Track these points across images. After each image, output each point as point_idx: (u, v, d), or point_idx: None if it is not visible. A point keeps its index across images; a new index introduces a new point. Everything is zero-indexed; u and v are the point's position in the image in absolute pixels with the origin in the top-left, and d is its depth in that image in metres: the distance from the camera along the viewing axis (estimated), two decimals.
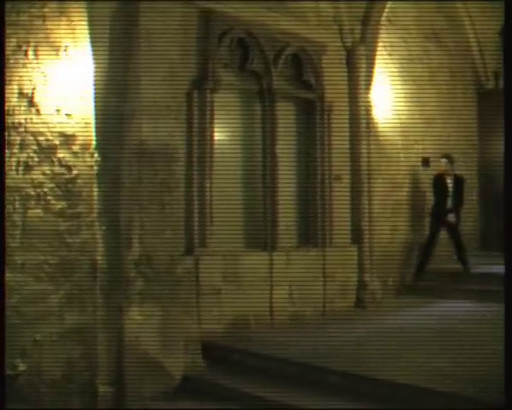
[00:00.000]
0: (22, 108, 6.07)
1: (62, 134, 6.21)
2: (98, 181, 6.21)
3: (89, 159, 6.31)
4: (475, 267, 9.54)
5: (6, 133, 5.95)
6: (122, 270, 6.07)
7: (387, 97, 9.62)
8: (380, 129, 9.40)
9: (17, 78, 6.03)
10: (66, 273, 6.21)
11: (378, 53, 9.13)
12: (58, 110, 6.21)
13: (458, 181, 9.83)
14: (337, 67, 8.72)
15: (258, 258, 7.44)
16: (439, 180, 9.78)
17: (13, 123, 6.00)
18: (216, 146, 7.21)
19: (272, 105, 7.85)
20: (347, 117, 8.83)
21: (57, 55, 6.24)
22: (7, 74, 5.96)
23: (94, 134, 6.24)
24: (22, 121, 6.05)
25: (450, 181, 9.73)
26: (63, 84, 6.24)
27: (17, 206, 5.99)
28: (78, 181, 6.29)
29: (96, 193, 6.25)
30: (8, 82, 5.97)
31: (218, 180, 7.15)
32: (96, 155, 6.23)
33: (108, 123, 6.14)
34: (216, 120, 7.20)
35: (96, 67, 6.18)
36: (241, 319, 7.11)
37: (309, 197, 8.33)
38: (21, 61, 6.06)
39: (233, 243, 7.25)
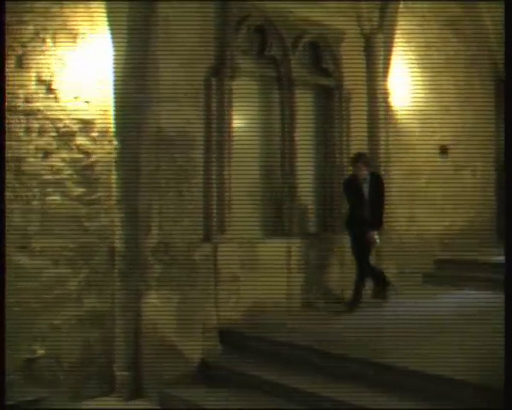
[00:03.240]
0: (41, 94, 6.07)
1: (81, 120, 6.25)
2: (117, 167, 6.26)
3: (107, 145, 6.36)
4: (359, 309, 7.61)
5: (24, 119, 5.96)
6: (140, 255, 6.13)
7: (405, 85, 9.57)
8: (397, 117, 9.36)
9: (35, 64, 6.04)
10: (84, 258, 6.26)
11: (396, 40, 9.08)
12: (76, 97, 6.24)
13: (375, 182, 7.79)
14: (355, 54, 8.68)
15: (276, 245, 7.45)
16: (350, 184, 7.79)
17: (31, 110, 6.00)
18: (234, 133, 7.22)
19: (291, 92, 7.84)
20: (365, 104, 8.80)
21: (75, 41, 6.26)
22: (25, 61, 5.97)
23: (112, 120, 6.29)
24: (41, 108, 6.06)
25: (365, 185, 7.71)
26: (81, 70, 6.28)
27: (36, 192, 6.01)
28: (97, 167, 6.34)
29: (114, 179, 6.31)
30: (26, 69, 5.98)
31: (236, 167, 7.15)
32: (114, 141, 6.28)
33: (127, 109, 6.18)
34: (234, 107, 7.20)
35: (114, 54, 6.21)
36: (258, 306, 7.12)
37: (327, 184, 8.32)
38: (39, 47, 6.06)
39: (251, 230, 7.26)
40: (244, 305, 7.03)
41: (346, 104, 8.44)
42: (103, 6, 6.24)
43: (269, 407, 5.50)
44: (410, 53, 9.73)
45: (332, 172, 8.33)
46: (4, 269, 4.42)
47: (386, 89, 8.95)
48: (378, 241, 7.71)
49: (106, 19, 6.20)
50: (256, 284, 6.99)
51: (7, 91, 5.85)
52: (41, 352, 6.04)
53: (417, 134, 9.77)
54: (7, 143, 5.83)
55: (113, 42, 6.21)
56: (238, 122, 7.37)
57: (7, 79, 5.85)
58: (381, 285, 7.97)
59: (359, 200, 7.67)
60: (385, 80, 8.92)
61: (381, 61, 8.86)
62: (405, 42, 9.63)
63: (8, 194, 5.85)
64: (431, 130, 10.02)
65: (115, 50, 6.21)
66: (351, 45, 8.58)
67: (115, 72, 6.24)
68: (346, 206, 8.01)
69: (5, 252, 4.41)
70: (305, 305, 7.71)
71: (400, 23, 9.15)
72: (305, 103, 8.15)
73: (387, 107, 9.01)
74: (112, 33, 6.20)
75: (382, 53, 8.84)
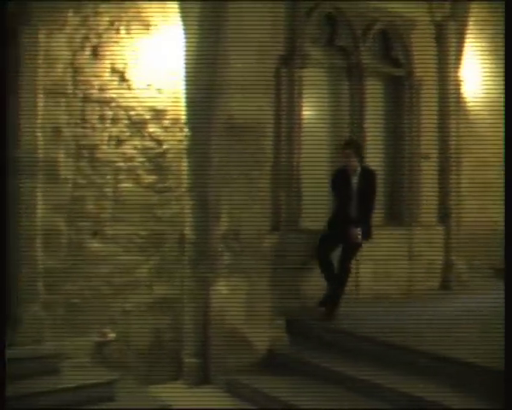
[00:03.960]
0: (114, 83, 6.19)
1: (153, 109, 6.35)
2: (188, 155, 6.34)
3: (178, 133, 6.44)
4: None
5: (99, 107, 6.09)
6: (210, 243, 6.19)
7: (477, 74, 9.35)
8: (469, 106, 9.15)
9: (109, 54, 6.16)
10: (155, 245, 6.37)
11: (468, 29, 8.88)
12: (149, 85, 6.34)
13: (367, 177, 6.86)
14: (426, 43, 8.52)
15: None
16: (338, 177, 6.94)
17: (105, 98, 6.13)
18: (303, 122, 7.21)
19: (360, 82, 7.78)
20: (436, 94, 8.64)
21: (148, 31, 6.35)
22: (100, 51, 6.09)
23: (184, 109, 6.35)
24: (114, 97, 6.18)
25: (355, 179, 6.83)
26: (154, 60, 6.37)
27: (109, 179, 6.13)
28: (168, 155, 6.43)
29: (185, 167, 6.38)
30: (100, 59, 6.11)
31: (305, 157, 7.14)
32: (185, 129, 6.35)
33: (198, 98, 6.24)
34: (303, 97, 7.19)
35: (186, 44, 6.27)
36: None
37: (396, 175, 8.23)
38: (114, 37, 6.18)
39: (319, 220, 7.22)
40: (312, 294, 7.00)
41: (416, 94, 8.31)
42: None
43: (333, 396, 5.49)
44: (482, 42, 9.49)
45: (401, 162, 8.23)
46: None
47: (457, 78, 8.77)
48: (360, 240, 6.72)
49: (178, 9, 6.26)
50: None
51: (83, 81, 6.01)
52: (112, 336, 6.18)
53: (489, 125, 9.53)
54: (82, 130, 6.01)
55: (185, 32, 6.27)
56: (307, 112, 7.35)
57: (83, 69, 6.01)
58: (334, 301, 6.79)
59: (347, 195, 6.81)
60: (457, 70, 8.74)
61: (453, 50, 8.68)
62: (478, 30, 9.40)
63: (81, 180, 6.01)
64: (502, 120, 9.75)
65: (187, 40, 6.26)
66: (421, 34, 8.43)
67: (187, 61, 6.30)
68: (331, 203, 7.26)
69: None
70: (374, 296, 7.66)
71: (473, 11, 8.94)
72: (374, 93, 8.07)
73: (459, 97, 8.83)
74: (184, 23, 6.26)
75: (454, 41, 8.66)
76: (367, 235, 6.77)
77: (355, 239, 6.64)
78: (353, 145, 6.90)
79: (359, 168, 6.82)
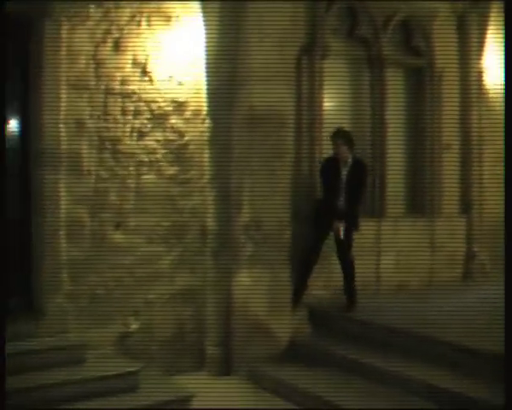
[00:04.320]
0: (136, 76, 6.23)
1: (174, 101, 6.38)
2: (209, 147, 6.37)
3: (200, 125, 6.47)
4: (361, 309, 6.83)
5: (121, 100, 6.13)
6: (232, 234, 6.22)
7: (500, 64, 9.27)
8: (491, 96, 9.08)
9: (131, 47, 6.19)
10: (177, 236, 6.41)
11: (491, 18, 8.79)
12: (170, 78, 6.37)
13: (358, 169, 6.77)
14: (447, 32, 8.45)
15: (366, 225, 7.38)
16: (328, 166, 6.80)
17: (127, 92, 6.17)
18: (324, 113, 7.20)
19: (381, 72, 7.75)
20: (458, 84, 8.57)
21: (169, 24, 6.37)
22: (122, 44, 6.13)
23: (205, 101, 6.38)
24: (136, 90, 6.21)
25: (345, 169, 6.73)
26: (175, 52, 6.39)
27: (131, 171, 6.18)
28: (190, 147, 6.46)
29: (206, 159, 6.41)
30: (122, 51, 6.15)
31: (326, 147, 7.13)
32: (207, 121, 6.38)
33: (219, 89, 6.26)
34: (324, 87, 7.18)
35: (207, 35, 6.30)
36: None
37: (417, 165, 8.20)
38: (135, 30, 6.21)
39: None
40: (333, 284, 7.02)
41: (437, 84, 8.26)
42: None
43: (357, 387, 5.51)
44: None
45: (423, 153, 8.19)
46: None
47: (479, 68, 8.70)
48: (343, 236, 6.62)
49: (198, 1, 6.27)
50: None
51: (105, 74, 6.06)
52: (135, 326, 6.24)
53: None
54: (104, 123, 6.06)
55: (206, 23, 6.29)
56: (328, 103, 7.35)
57: (105, 62, 6.06)
58: (349, 294, 6.82)
59: (335, 185, 6.67)
60: (479, 59, 8.67)
61: (475, 40, 8.60)
62: (500, 20, 9.31)
63: (104, 173, 6.07)
64: None
65: (208, 32, 6.28)
66: (443, 24, 8.37)
67: (207, 53, 6.32)
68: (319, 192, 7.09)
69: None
70: (395, 287, 7.65)
71: (495, 1, 8.86)
72: (395, 83, 8.03)
73: (481, 87, 8.75)
74: (204, 15, 6.28)
75: (476, 31, 8.57)
76: (354, 227, 6.73)
77: (337, 234, 6.61)
78: (343, 135, 6.75)
79: (350, 159, 6.73)
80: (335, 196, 6.67)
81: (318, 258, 6.80)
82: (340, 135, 6.73)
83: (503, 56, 9.19)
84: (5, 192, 4.54)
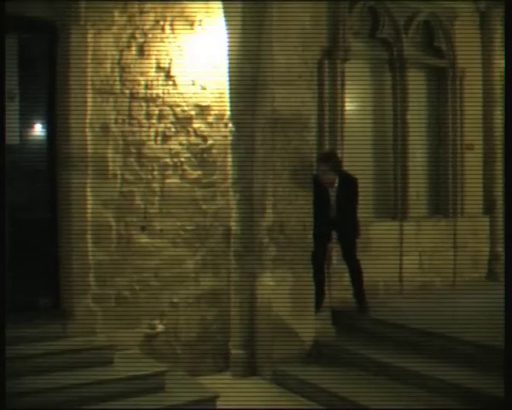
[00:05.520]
0: (160, 81, 6.30)
1: (197, 105, 6.44)
2: (232, 150, 6.42)
3: (223, 129, 6.52)
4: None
5: (145, 104, 6.21)
6: (255, 236, 6.27)
7: None
8: None
9: (155, 52, 6.26)
10: (201, 239, 6.48)
11: None
12: (193, 82, 6.43)
13: (346, 186, 6.55)
14: (469, 32, 8.43)
15: (389, 226, 7.42)
16: (317, 185, 6.52)
17: (151, 96, 6.25)
18: (346, 114, 7.23)
19: (403, 73, 7.75)
20: (480, 83, 8.54)
21: (192, 28, 6.44)
22: (146, 49, 6.21)
23: (228, 104, 6.43)
24: (160, 94, 6.29)
25: (332, 191, 6.56)
26: (198, 56, 6.46)
27: (156, 174, 6.26)
28: (213, 151, 6.52)
29: (230, 162, 6.46)
30: (146, 56, 6.23)
31: (348, 149, 7.16)
32: (230, 124, 6.43)
33: (242, 93, 6.30)
34: (346, 89, 7.20)
35: (229, 39, 6.34)
36: (370, 287, 7.07)
37: (440, 166, 8.19)
38: (159, 35, 6.28)
39: (364, 212, 7.25)
40: None
41: (459, 84, 8.25)
42: None
43: (382, 388, 5.53)
44: None
45: (445, 153, 8.18)
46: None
47: (503, 66, 8.66)
48: (334, 260, 6.86)
49: (221, 5, 6.33)
50: (368, 264, 6.96)
51: (130, 79, 6.14)
52: (161, 328, 6.31)
53: None
54: (129, 127, 6.14)
55: (228, 28, 6.33)
56: (350, 104, 7.37)
57: (129, 67, 6.14)
58: (358, 297, 6.78)
59: (325, 205, 6.56)
60: (502, 58, 8.63)
61: (498, 38, 8.55)
62: None
63: (129, 176, 6.15)
64: None
65: (230, 36, 6.33)
66: (465, 23, 8.35)
67: (230, 57, 6.37)
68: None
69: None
70: (418, 287, 7.65)
71: None
72: (417, 84, 8.03)
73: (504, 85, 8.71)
74: (227, 19, 6.32)
75: (500, 29, 8.52)
76: (353, 235, 6.67)
77: (329, 254, 6.76)
78: (328, 160, 6.51)
79: (337, 180, 6.52)
80: (327, 212, 6.59)
81: (324, 262, 6.76)
82: (325, 160, 6.51)
83: None
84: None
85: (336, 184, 6.53)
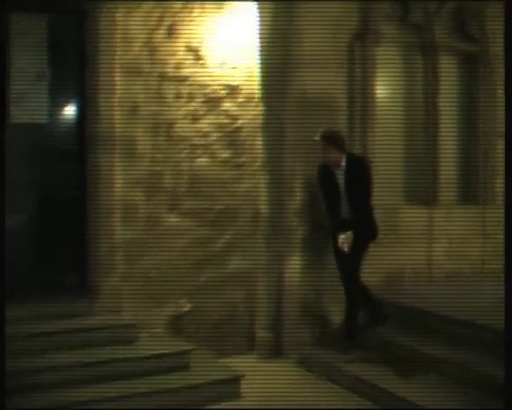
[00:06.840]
0: (189, 61, 6.30)
1: (227, 86, 6.43)
2: (262, 131, 6.41)
3: (252, 110, 6.51)
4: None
5: (174, 85, 6.21)
6: (284, 218, 6.26)
7: None
8: None
9: (184, 33, 6.26)
10: (229, 220, 6.47)
11: None
12: (223, 63, 6.42)
13: (355, 168, 5.90)
14: (502, 17, 8.31)
15: (418, 213, 7.32)
16: (323, 174, 6.03)
17: (180, 76, 6.25)
18: (377, 99, 7.16)
19: (434, 59, 7.64)
20: None
21: (222, 9, 6.41)
22: (175, 30, 6.21)
23: (258, 86, 6.41)
24: (189, 74, 6.29)
25: (340, 175, 5.94)
26: (228, 37, 6.43)
27: (185, 155, 6.27)
28: (243, 131, 6.50)
29: (259, 143, 6.45)
30: (175, 37, 6.23)
31: (379, 133, 7.08)
32: (259, 106, 6.41)
33: (272, 74, 6.30)
34: (377, 74, 7.13)
35: (260, 20, 6.33)
36: (396, 273, 7.03)
37: (470, 153, 8.07)
38: (188, 17, 6.28)
39: (393, 197, 7.18)
40: (383, 271, 6.96)
41: (491, 70, 8.09)
42: None
43: (406, 373, 5.50)
44: None
45: (476, 141, 8.06)
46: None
47: None
48: (346, 249, 5.79)
49: None
50: (396, 250, 6.88)
51: (159, 59, 6.14)
52: (187, 308, 6.33)
53: None
54: (158, 107, 6.15)
55: (259, 8, 6.32)
56: (381, 89, 7.29)
57: (158, 48, 6.14)
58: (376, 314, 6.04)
59: (333, 194, 5.93)
60: None
61: None
62: None
63: (158, 156, 6.17)
64: None
65: (260, 17, 6.32)
66: (498, 8, 8.22)
67: (260, 38, 6.36)
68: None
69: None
70: (446, 275, 7.58)
71: None
72: (448, 70, 7.91)
73: None
74: (258, 2, 6.30)
75: None
76: (368, 237, 5.96)
77: (342, 247, 5.80)
78: (329, 138, 5.90)
79: (344, 161, 5.92)
80: (337, 207, 5.93)
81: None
82: (325, 137, 5.90)
83: None
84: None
85: (344, 167, 5.91)
